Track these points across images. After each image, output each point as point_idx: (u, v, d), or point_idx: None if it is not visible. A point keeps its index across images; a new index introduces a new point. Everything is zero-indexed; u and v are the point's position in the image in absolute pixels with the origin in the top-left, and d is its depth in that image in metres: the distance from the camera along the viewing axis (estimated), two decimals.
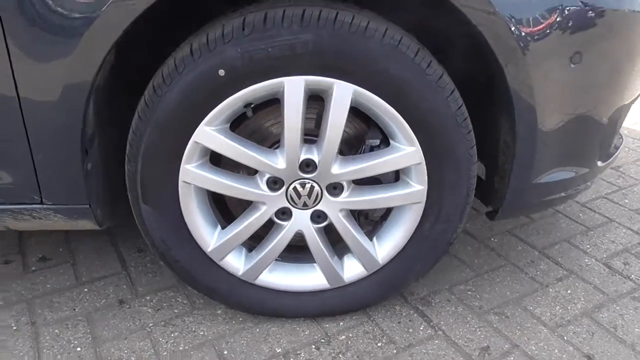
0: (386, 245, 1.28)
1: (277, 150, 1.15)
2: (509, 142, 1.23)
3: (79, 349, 1.28)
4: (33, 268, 1.56)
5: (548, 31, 1.06)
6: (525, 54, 1.06)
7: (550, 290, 1.51)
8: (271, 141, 1.21)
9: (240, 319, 1.37)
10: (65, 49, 0.99)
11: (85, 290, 1.48)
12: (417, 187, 1.19)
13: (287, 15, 1.01)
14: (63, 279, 1.52)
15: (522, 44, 1.05)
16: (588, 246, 1.72)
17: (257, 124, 1.20)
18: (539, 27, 1.06)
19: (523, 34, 1.05)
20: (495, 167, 1.31)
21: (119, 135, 1.19)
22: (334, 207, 1.21)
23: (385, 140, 1.19)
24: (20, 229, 1.25)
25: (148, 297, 1.45)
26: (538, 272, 1.58)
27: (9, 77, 1.01)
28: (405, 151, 1.14)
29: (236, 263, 1.27)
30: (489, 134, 1.29)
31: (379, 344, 1.30)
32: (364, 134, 1.21)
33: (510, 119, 1.17)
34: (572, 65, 1.12)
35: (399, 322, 1.37)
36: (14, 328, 1.34)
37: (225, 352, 1.27)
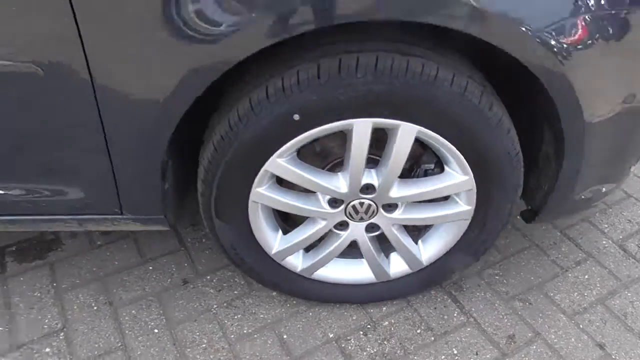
0: (430, 250, 1.41)
1: (339, 173, 1.24)
2: (550, 155, 1.31)
3: (156, 330, 1.46)
4: (99, 243, 1.70)
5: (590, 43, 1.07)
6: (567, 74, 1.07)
7: (570, 275, 1.67)
8: (333, 158, 1.29)
9: (294, 302, 1.54)
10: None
11: (151, 268, 1.63)
12: (466, 207, 1.29)
13: (361, 64, 1.04)
14: (128, 255, 1.67)
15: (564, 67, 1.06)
16: (606, 225, 1.86)
17: (320, 146, 1.27)
18: (578, 41, 1.06)
19: (565, 55, 1.05)
20: (534, 169, 1.39)
21: (188, 158, 1.28)
22: (387, 222, 1.32)
23: (439, 163, 1.27)
24: (98, 230, 1.38)
25: (208, 277, 1.61)
26: (559, 255, 1.73)
27: (93, 107, 1.07)
28: (460, 180, 1.23)
29: (295, 261, 1.41)
30: (530, 138, 1.36)
31: (418, 331, 1.48)
32: (419, 156, 1.28)
33: (558, 140, 1.25)
34: (621, 103, 1.17)
35: (434, 308, 1.54)
36: (95, 308, 1.51)
37: (285, 337, 1.45)
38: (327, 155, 1.29)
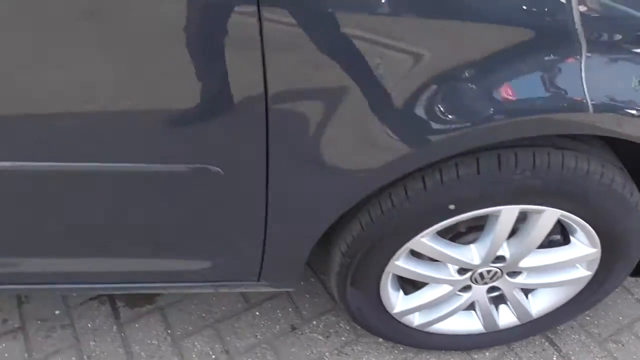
0: (541, 304, 1.48)
1: (472, 245, 1.29)
2: None
3: None
4: None
5: None
6: None
7: None
8: (459, 229, 1.34)
9: (401, 348, 1.62)
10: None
11: (257, 314, 1.69)
12: (586, 273, 1.36)
13: (519, 161, 1.09)
14: (232, 300, 1.72)
15: None
16: None
17: None
18: None
19: None
20: None
21: None
22: (510, 286, 1.39)
23: (564, 231, 1.33)
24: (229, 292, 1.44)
25: (314, 322, 1.68)
26: None
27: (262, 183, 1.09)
28: (588, 252, 1.29)
29: (411, 318, 1.48)
30: None
31: None
32: None
33: None
34: None
35: (534, 352, 1.63)
36: (213, 357, 1.57)
37: None
38: (455, 227, 1.34)
